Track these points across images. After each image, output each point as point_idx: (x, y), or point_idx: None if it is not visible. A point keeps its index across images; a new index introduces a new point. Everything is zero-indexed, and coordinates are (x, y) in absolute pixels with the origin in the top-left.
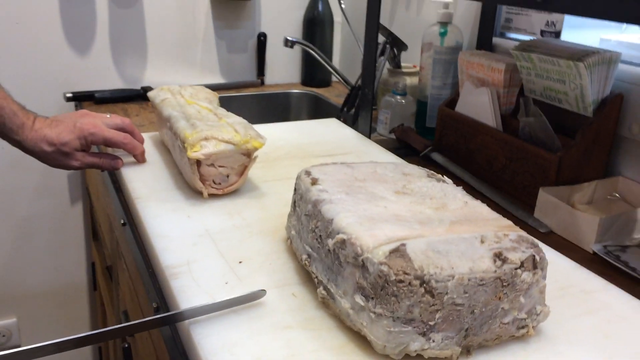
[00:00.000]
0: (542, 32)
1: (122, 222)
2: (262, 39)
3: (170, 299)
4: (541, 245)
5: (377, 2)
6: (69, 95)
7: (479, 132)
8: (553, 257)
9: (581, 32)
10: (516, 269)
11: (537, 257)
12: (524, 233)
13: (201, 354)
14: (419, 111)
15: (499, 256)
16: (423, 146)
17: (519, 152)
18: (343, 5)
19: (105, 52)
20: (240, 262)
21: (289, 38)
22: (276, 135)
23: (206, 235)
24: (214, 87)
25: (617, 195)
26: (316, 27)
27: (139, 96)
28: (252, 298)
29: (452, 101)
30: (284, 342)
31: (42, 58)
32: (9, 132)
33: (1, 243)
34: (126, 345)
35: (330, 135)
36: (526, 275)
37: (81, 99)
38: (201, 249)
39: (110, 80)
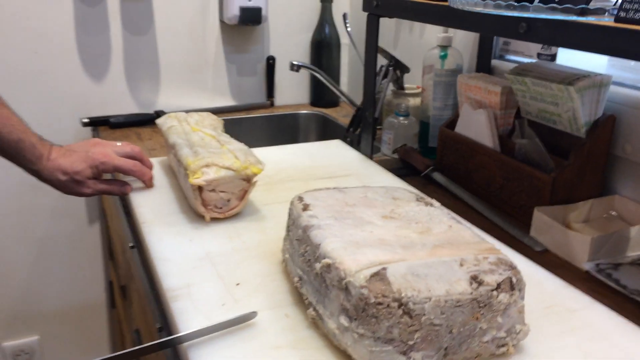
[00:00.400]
0: (539, 55)
1: (130, 245)
2: (270, 62)
3: (170, 320)
4: (531, 264)
5: (374, 31)
6: (86, 120)
7: (478, 152)
8: (542, 277)
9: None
10: (492, 290)
11: (514, 279)
12: (503, 256)
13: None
14: (421, 131)
15: (475, 279)
16: (424, 166)
17: (515, 173)
18: (349, 29)
19: (120, 79)
20: (237, 284)
21: (294, 62)
22: (280, 157)
23: (206, 258)
24: (225, 110)
25: (614, 213)
26: (323, 49)
27: (152, 120)
28: (244, 320)
29: (452, 122)
30: (274, 354)
31: (60, 85)
32: (28, 163)
33: (22, 263)
34: None
35: (332, 157)
36: (503, 297)
37: (97, 123)
38: (201, 272)
39: (124, 105)
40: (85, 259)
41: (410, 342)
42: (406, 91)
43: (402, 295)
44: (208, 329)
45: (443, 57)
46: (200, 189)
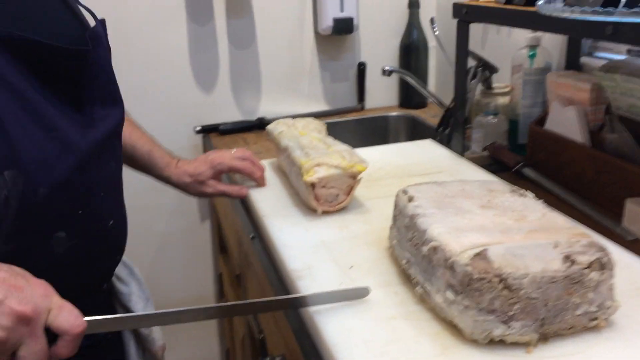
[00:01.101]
0: (629, 51)
1: (251, 236)
2: (361, 68)
3: (296, 292)
4: (622, 250)
5: (464, 36)
6: (198, 128)
7: (568, 147)
8: (632, 261)
9: None
10: (584, 269)
11: (605, 259)
12: (594, 239)
13: (324, 335)
14: (511, 129)
15: (568, 258)
16: (515, 162)
17: (607, 166)
18: (436, 32)
19: (227, 89)
20: (351, 267)
21: (386, 68)
22: (376, 157)
23: (321, 245)
24: (319, 114)
25: None
26: (412, 52)
27: (256, 126)
28: (361, 293)
29: (542, 119)
30: (389, 329)
31: (176, 98)
32: (159, 170)
33: (144, 256)
34: (262, 337)
35: (425, 155)
36: (594, 275)
37: (208, 130)
38: (318, 256)
39: (231, 114)
40: (197, 254)
41: (510, 313)
42: (495, 90)
43: (503, 272)
44: (331, 294)
45: (532, 57)
46: (313, 185)
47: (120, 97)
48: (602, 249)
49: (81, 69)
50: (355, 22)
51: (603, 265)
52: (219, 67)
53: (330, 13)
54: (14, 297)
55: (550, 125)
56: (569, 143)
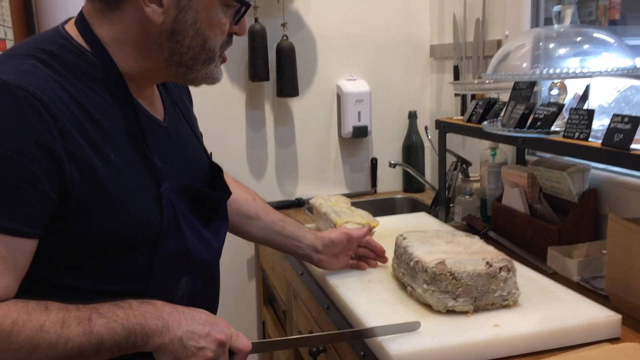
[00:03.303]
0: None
1: (300, 272)
2: (374, 162)
3: (335, 298)
4: (541, 275)
5: (443, 141)
6: None
7: (515, 216)
8: (543, 279)
9: None
10: (498, 269)
11: (510, 265)
12: (506, 257)
13: (354, 310)
14: (482, 205)
15: (488, 263)
16: (482, 227)
17: (537, 227)
18: (429, 137)
19: (272, 177)
20: (369, 281)
21: (392, 162)
22: (386, 223)
23: (351, 271)
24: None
25: (604, 252)
26: (412, 151)
27: (295, 204)
28: (411, 327)
29: (500, 197)
30: (392, 308)
31: None
32: (305, 248)
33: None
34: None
35: (420, 222)
36: (503, 273)
37: None
38: (349, 278)
39: (275, 195)
40: (244, 307)
41: (457, 293)
42: (470, 178)
43: (452, 270)
44: (388, 327)
45: (494, 155)
46: None
47: (227, 213)
48: (509, 260)
49: (223, 203)
50: (369, 128)
51: (509, 269)
52: (267, 160)
53: (351, 122)
54: (214, 330)
55: (505, 201)
56: (516, 212)
